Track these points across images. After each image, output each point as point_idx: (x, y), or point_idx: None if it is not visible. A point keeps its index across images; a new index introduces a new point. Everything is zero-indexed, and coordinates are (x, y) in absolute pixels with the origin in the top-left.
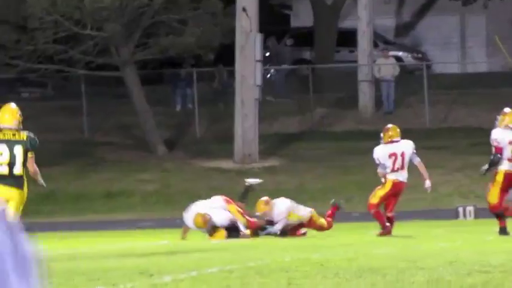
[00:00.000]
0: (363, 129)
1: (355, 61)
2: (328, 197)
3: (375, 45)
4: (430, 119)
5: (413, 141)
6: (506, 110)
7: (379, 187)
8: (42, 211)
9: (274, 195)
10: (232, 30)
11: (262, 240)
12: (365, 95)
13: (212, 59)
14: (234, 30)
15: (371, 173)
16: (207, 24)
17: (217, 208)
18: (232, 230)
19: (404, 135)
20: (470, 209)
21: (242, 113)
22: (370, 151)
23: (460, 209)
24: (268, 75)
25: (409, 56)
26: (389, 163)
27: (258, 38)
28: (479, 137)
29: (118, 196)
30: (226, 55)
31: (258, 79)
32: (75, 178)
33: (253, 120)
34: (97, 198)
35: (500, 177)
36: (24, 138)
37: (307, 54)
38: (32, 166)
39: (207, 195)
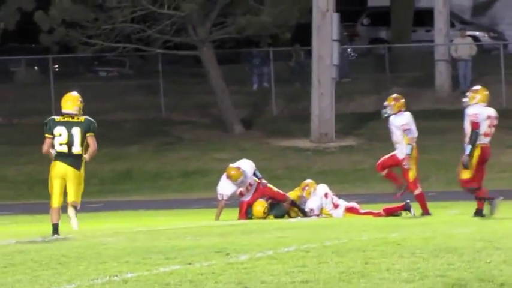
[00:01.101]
0: (439, 109)
1: (432, 41)
2: None
3: (452, 25)
4: (507, 98)
5: None
6: (477, 87)
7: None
8: (119, 190)
9: (350, 175)
10: (309, 9)
11: (339, 220)
12: (442, 74)
13: (289, 39)
14: (311, 10)
15: (448, 153)
16: (284, 3)
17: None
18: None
19: None
20: None
21: (319, 92)
22: (447, 130)
23: None
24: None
25: (486, 35)
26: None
27: (335, 17)
28: None
29: (195, 175)
30: (303, 34)
31: (335, 58)
32: (152, 157)
33: (330, 99)
34: (174, 177)
35: (477, 152)
36: (82, 121)
37: (383, 34)
38: (93, 144)
39: (283, 174)
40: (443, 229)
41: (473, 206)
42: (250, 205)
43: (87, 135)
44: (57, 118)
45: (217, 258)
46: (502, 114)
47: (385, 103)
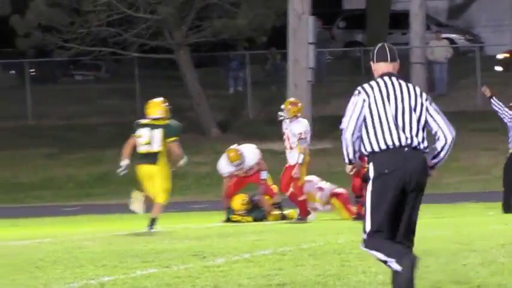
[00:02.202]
0: None
1: (408, 43)
2: None
3: (428, 27)
4: (482, 101)
5: (466, 123)
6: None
7: None
8: (96, 194)
9: (326, 177)
10: (284, 12)
11: (315, 223)
12: (417, 77)
13: (265, 42)
14: (287, 13)
15: None
16: (259, 6)
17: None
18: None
19: (457, 117)
20: None
21: (294, 96)
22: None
23: None
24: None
25: (462, 38)
26: None
27: (311, 20)
28: None
29: (171, 178)
30: (278, 38)
31: (311, 61)
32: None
33: (306, 102)
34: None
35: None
36: (164, 124)
37: (359, 37)
38: (176, 149)
39: None
40: (419, 232)
41: (449, 208)
42: (237, 187)
43: (170, 139)
44: (143, 121)
45: (194, 262)
46: (478, 116)
47: (282, 106)
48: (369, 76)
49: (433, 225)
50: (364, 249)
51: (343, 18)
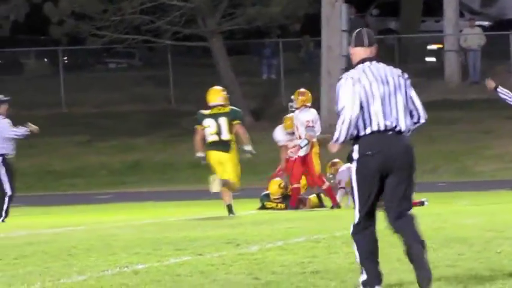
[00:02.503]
0: (449, 99)
1: (441, 31)
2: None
3: (461, 15)
4: None
5: (500, 111)
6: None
7: None
8: (128, 181)
9: None
10: (318, 0)
11: (348, 211)
12: (451, 64)
13: (298, 29)
14: (320, 1)
15: (457, 143)
16: None
17: None
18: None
19: (491, 104)
20: None
21: (328, 83)
22: (457, 121)
23: None
24: None
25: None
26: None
27: (344, 8)
28: None
29: (204, 166)
30: (312, 25)
31: (344, 49)
32: (161, 148)
33: None
34: (183, 169)
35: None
36: (228, 111)
37: (392, 24)
38: (242, 131)
39: None
40: (453, 219)
41: (483, 196)
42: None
43: (234, 123)
44: (205, 112)
45: (228, 249)
46: None
47: (292, 97)
48: (401, 64)
49: (467, 213)
50: (351, 235)
51: (377, 6)
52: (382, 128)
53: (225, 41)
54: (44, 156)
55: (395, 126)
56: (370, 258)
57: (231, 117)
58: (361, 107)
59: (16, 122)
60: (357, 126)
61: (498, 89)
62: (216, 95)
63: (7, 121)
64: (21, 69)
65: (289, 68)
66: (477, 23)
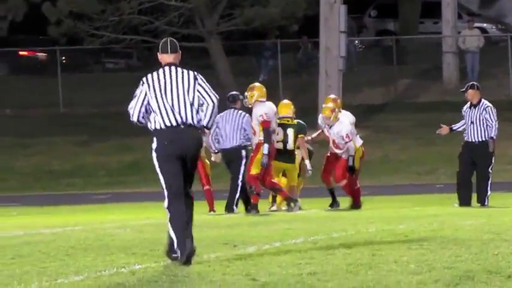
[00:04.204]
0: (447, 101)
1: (439, 32)
2: (412, 169)
3: (459, 16)
4: None
5: (498, 113)
6: (253, 85)
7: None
8: (127, 181)
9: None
10: (316, 1)
11: (346, 212)
12: (449, 66)
13: (296, 30)
14: (319, 1)
15: (456, 145)
16: None
17: None
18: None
19: None
20: None
21: (326, 84)
22: (454, 122)
23: None
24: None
25: (494, 27)
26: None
27: (343, 9)
28: None
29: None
30: (310, 26)
31: (342, 50)
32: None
33: (337, 91)
34: None
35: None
36: (295, 123)
37: (391, 26)
38: (304, 145)
39: None
40: (450, 221)
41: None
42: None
43: (301, 136)
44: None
45: (225, 250)
46: (509, 105)
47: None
48: (399, 65)
49: (465, 214)
50: (165, 208)
51: (375, 7)
52: (173, 123)
53: (223, 41)
54: (42, 156)
55: (185, 121)
56: (181, 227)
57: (298, 129)
58: (157, 106)
59: (14, 121)
60: (154, 122)
61: (453, 128)
62: (287, 108)
63: None
64: (19, 69)
65: (287, 69)
66: (476, 24)
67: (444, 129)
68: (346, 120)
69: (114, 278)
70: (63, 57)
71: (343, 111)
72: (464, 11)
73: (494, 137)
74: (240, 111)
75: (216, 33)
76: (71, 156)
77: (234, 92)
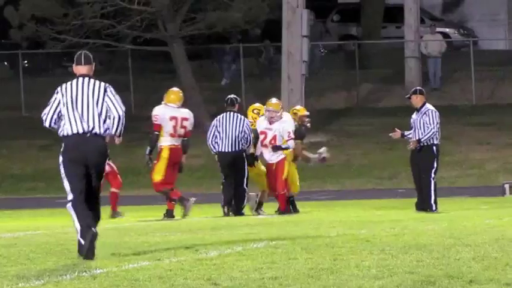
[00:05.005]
0: (409, 106)
1: (402, 37)
2: (374, 173)
3: (422, 21)
4: (476, 95)
5: (460, 118)
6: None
7: None
8: None
9: (320, 170)
10: (279, 5)
11: (308, 216)
12: (411, 71)
13: (259, 35)
14: (281, 6)
15: None
16: None
17: None
18: None
19: (451, 111)
20: None
21: (288, 89)
22: None
23: (507, 186)
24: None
25: (456, 32)
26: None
27: (305, 13)
28: None
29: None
30: (273, 31)
31: (305, 55)
32: (121, 153)
33: (300, 95)
34: (143, 173)
35: (165, 153)
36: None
37: (353, 30)
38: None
39: None
40: (412, 226)
41: (443, 202)
42: None
43: (298, 141)
44: None
45: (187, 255)
46: (472, 111)
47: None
48: (362, 70)
49: (427, 219)
50: (69, 208)
51: (338, 12)
52: (80, 131)
53: (185, 45)
54: (3, 160)
55: (92, 130)
56: (85, 225)
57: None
58: (67, 114)
59: None
60: (64, 129)
61: (405, 134)
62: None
63: None
64: None
65: (249, 73)
66: (438, 29)
67: (397, 134)
68: (290, 119)
69: (75, 282)
70: (26, 61)
71: (285, 113)
72: (427, 15)
73: (423, 140)
74: (239, 115)
75: (178, 37)
76: (33, 160)
77: (232, 96)
